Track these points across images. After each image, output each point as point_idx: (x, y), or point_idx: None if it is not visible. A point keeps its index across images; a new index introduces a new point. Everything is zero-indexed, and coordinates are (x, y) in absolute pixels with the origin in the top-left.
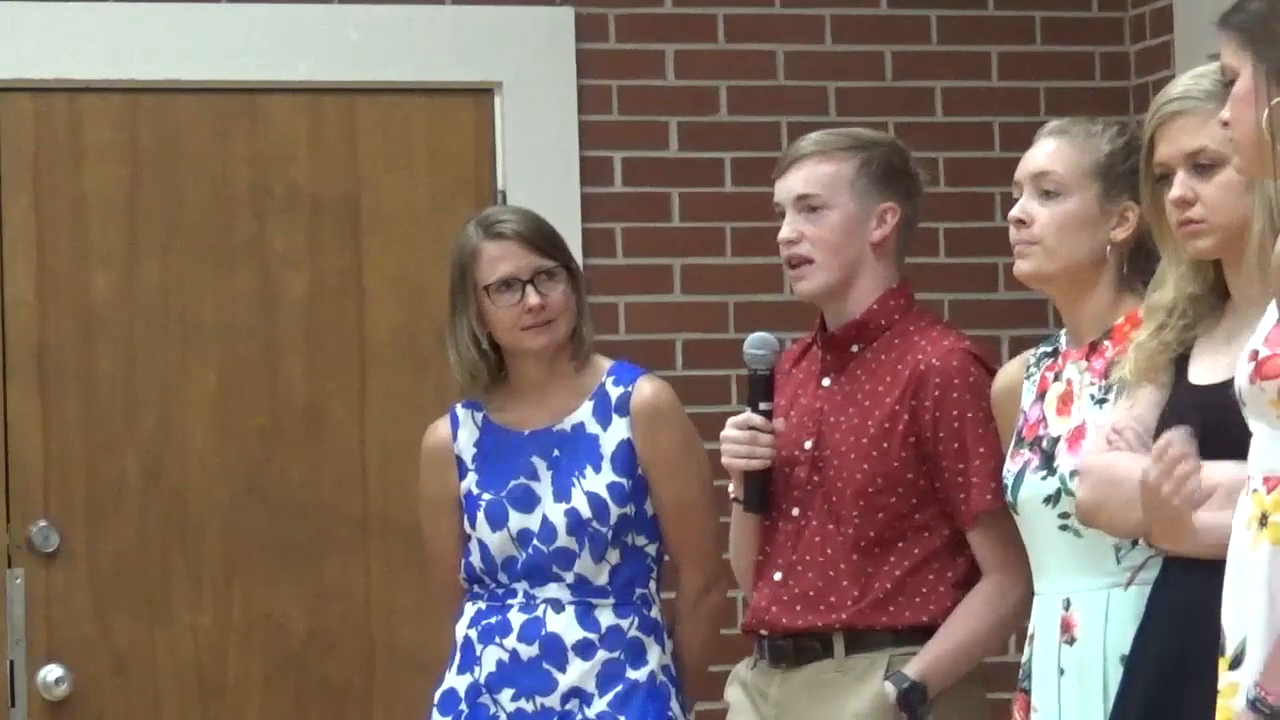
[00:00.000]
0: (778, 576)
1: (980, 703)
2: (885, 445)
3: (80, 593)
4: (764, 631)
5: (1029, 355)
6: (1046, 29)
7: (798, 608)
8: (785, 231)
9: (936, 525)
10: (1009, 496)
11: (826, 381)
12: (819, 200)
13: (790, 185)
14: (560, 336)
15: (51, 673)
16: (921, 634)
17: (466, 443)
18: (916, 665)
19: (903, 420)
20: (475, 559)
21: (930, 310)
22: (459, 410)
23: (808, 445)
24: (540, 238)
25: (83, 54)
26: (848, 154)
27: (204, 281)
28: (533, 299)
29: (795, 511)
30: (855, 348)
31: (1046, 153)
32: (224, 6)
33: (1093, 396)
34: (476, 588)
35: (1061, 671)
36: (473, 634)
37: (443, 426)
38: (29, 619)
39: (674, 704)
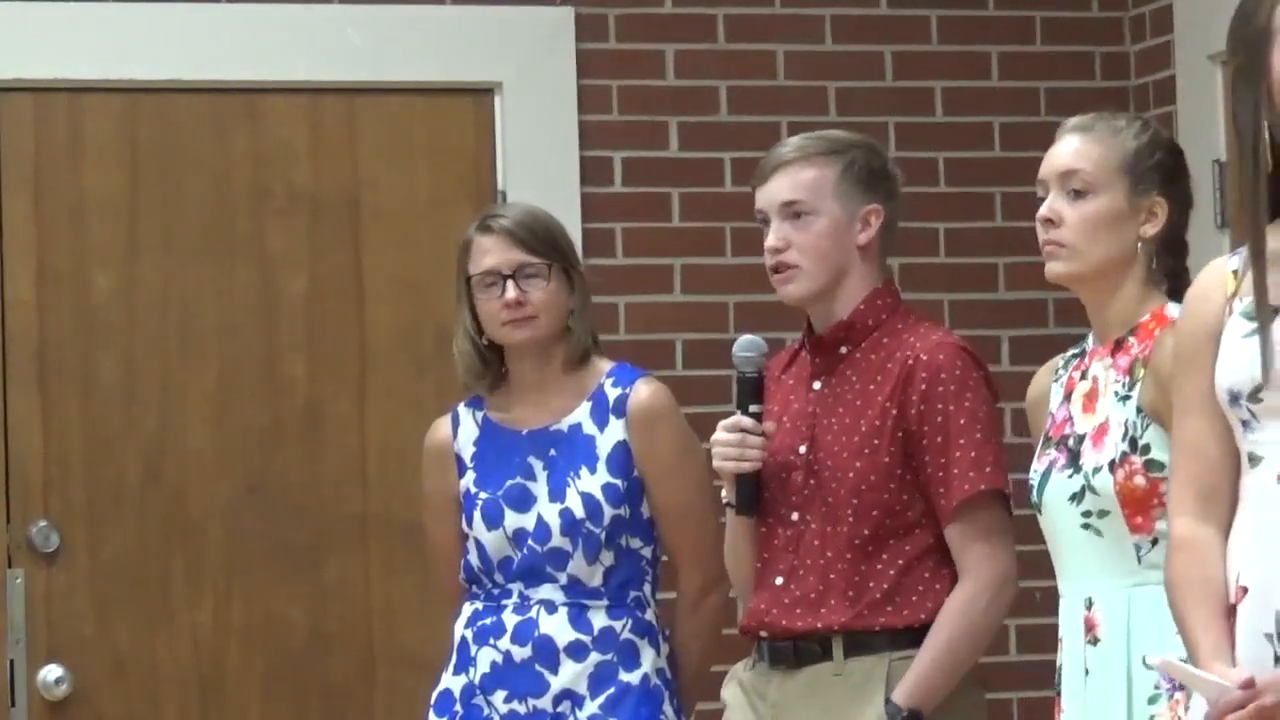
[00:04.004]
0: (778, 581)
1: (979, 703)
2: (876, 442)
3: (80, 593)
4: (763, 633)
5: (1057, 360)
6: (1046, 29)
7: (798, 610)
8: (772, 239)
9: (928, 522)
10: (1034, 497)
11: (817, 385)
12: (804, 206)
13: (774, 192)
14: (542, 333)
15: (51, 673)
16: (921, 634)
17: (466, 441)
18: (905, 691)
19: (891, 416)
20: (473, 558)
21: (917, 309)
22: (460, 409)
23: (802, 449)
24: (529, 234)
25: (83, 54)
26: (829, 158)
27: (204, 281)
28: (510, 293)
29: (794, 516)
30: (844, 349)
31: (1072, 150)
32: (224, 6)
33: (1117, 394)
34: (474, 588)
35: (1087, 672)
36: (468, 634)
37: (444, 425)
38: (29, 619)
39: (667, 707)
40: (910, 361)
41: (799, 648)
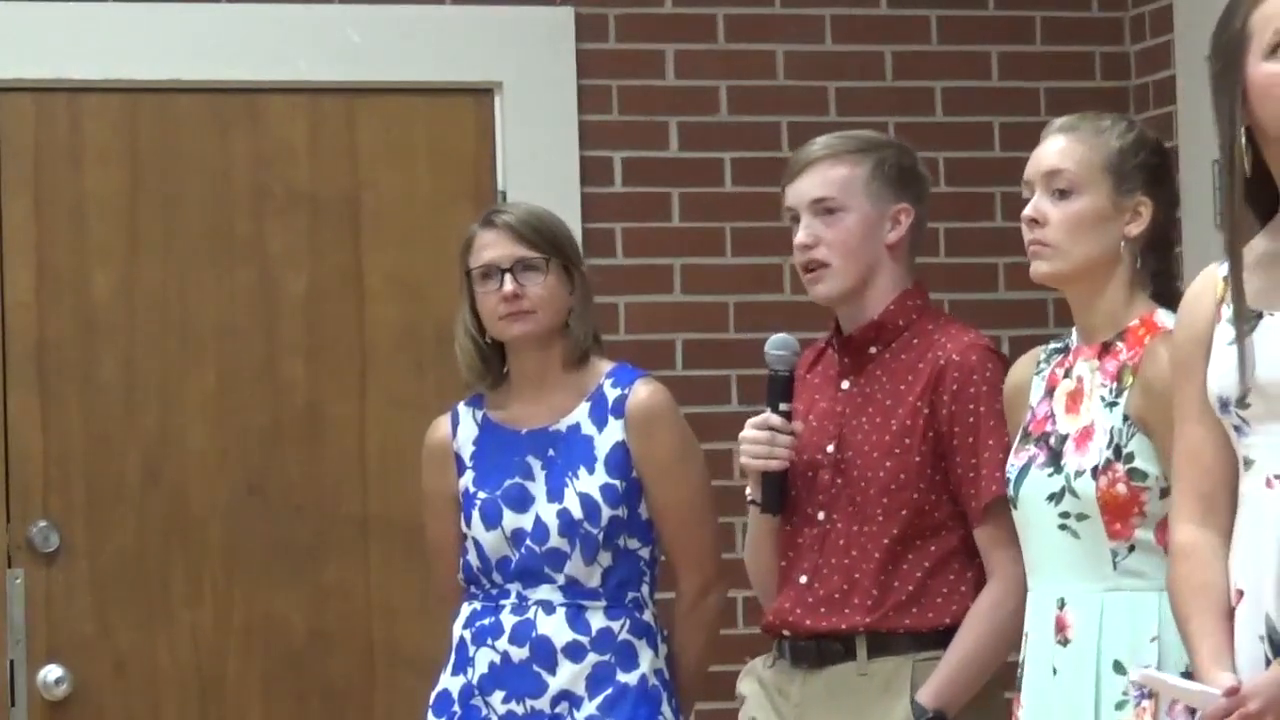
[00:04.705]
0: (803, 580)
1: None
2: (907, 441)
3: (80, 593)
4: (786, 632)
5: (1039, 351)
6: (1046, 29)
7: (822, 610)
8: (802, 236)
9: (955, 524)
10: (1010, 490)
11: (845, 385)
12: (835, 203)
13: (804, 189)
14: (539, 329)
15: (51, 673)
16: (944, 636)
17: (465, 440)
18: (931, 692)
19: (923, 416)
20: (472, 558)
21: (945, 310)
22: (461, 408)
23: (830, 449)
24: (529, 230)
25: (83, 54)
26: (860, 156)
27: (204, 281)
28: (507, 287)
29: (820, 515)
30: (873, 349)
31: (1057, 150)
32: (224, 6)
33: (1103, 399)
34: (473, 588)
35: (1054, 671)
36: (467, 635)
37: (443, 424)
38: (29, 619)
39: (666, 708)
40: (942, 362)
41: (822, 647)
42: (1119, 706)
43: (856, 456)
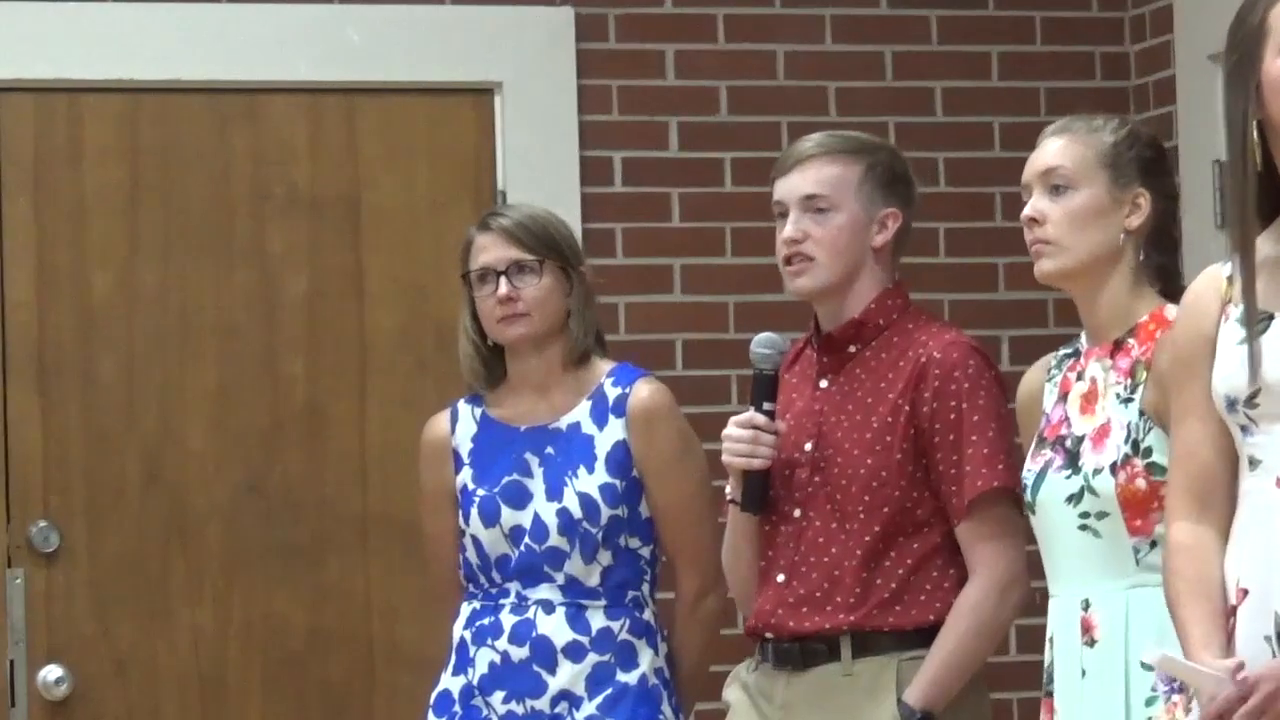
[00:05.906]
0: (780, 578)
1: (984, 701)
2: (888, 439)
3: (80, 593)
4: (769, 634)
5: (1050, 358)
6: (1046, 29)
7: (803, 609)
8: (789, 231)
9: (937, 521)
10: (1028, 496)
11: (824, 383)
12: (826, 201)
13: (796, 185)
14: (535, 330)
15: (51, 673)
16: (928, 634)
17: (464, 437)
18: (918, 692)
19: (904, 413)
20: (471, 555)
21: (927, 309)
22: (460, 405)
23: (808, 447)
24: (525, 232)
25: (83, 54)
26: (853, 157)
27: (204, 281)
28: (502, 289)
29: (796, 513)
30: (853, 348)
31: (1053, 150)
32: (224, 6)
33: (1118, 395)
34: (472, 587)
35: (1084, 673)
36: (467, 635)
37: (442, 420)
38: (29, 619)
39: (666, 707)
40: (923, 359)
41: (805, 649)
42: (1149, 703)
43: (836, 454)
